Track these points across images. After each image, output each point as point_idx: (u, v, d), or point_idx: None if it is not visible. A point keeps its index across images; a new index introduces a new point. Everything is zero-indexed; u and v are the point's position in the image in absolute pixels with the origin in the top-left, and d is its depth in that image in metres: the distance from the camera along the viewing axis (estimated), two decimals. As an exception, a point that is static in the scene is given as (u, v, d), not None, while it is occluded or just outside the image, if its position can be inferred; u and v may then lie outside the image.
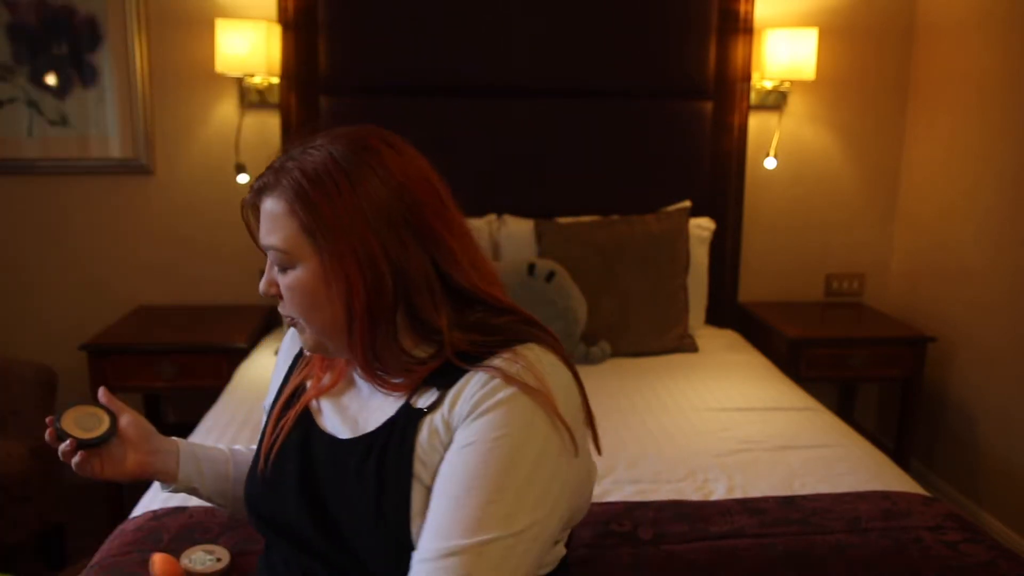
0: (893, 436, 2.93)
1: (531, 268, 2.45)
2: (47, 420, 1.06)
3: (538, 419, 0.87)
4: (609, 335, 2.54)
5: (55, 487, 2.42)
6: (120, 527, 1.54)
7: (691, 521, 1.51)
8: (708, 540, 1.46)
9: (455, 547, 0.82)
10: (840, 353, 2.74)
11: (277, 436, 1.03)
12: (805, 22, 2.90)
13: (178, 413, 3.05)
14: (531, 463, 0.86)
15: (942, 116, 2.87)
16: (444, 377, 0.92)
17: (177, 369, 2.56)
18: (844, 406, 3.16)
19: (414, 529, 0.88)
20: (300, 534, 0.98)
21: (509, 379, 0.88)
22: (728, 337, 2.81)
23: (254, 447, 1.16)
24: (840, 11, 2.94)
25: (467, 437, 0.87)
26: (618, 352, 2.55)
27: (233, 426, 2.01)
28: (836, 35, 2.94)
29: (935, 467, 2.94)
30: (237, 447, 1.24)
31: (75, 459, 1.05)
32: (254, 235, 0.98)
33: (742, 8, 2.82)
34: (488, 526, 0.82)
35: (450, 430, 0.89)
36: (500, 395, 0.87)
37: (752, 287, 3.10)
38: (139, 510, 1.62)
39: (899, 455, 2.79)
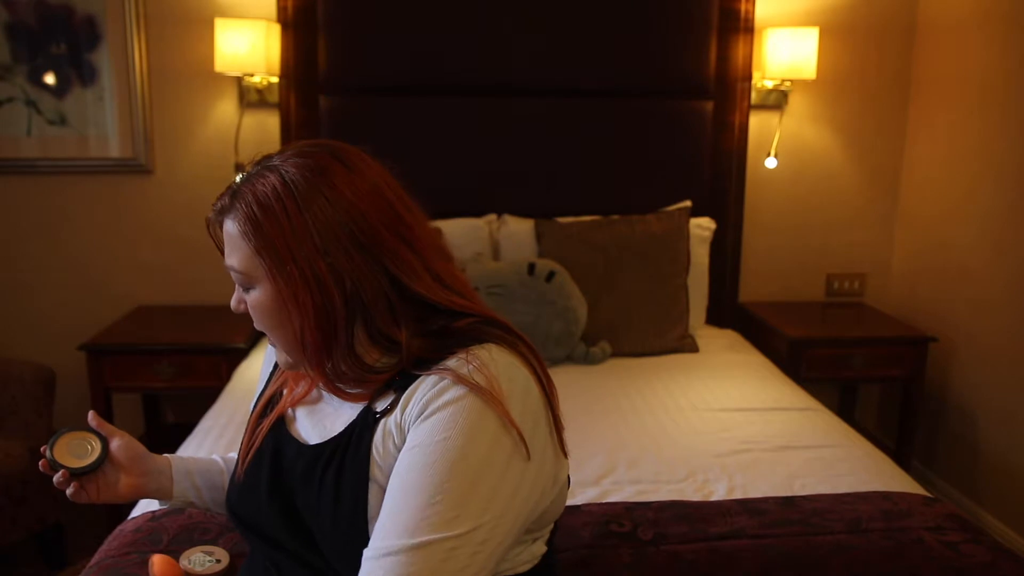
0: (894, 436, 2.92)
1: (531, 268, 2.44)
2: (41, 450, 1.09)
3: (487, 420, 0.86)
4: (609, 335, 2.54)
5: (54, 487, 2.41)
6: (119, 527, 1.54)
7: (691, 521, 1.51)
8: (708, 541, 1.45)
9: (395, 547, 0.82)
10: (841, 353, 2.73)
11: (253, 443, 1.06)
12: (806, 21, 2.90)
13: (177, 413, 3.05)
14: (477, 465, 0.85)
15: (943, 116, 2.87)
16: (403, 381, 0.94)
17: (176, 369, 2.56)
18: (845, 406, 3.15)
19: (372, 528, 0.89)
20: (275, 537, 1.01)
21: (459, 379, 0.88)
22: (728, 337, 2.80)
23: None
24: (841, 10, 2.93)
25: (415, 439, 0.87)
26: (618, 352, 2.54)
27: (232, 426, 2.01)
28: (837, 34, 2.94)
29: (936, 467, 2.94)
30: (232, 455, 1.25)
31: (69, 489, 1.09)
32: (222, 251, 1.00)
33: (743, 7, 2.82)
34: (428, 527, 0.82)
35: (403, 432, 0.90)
36: (448, 396, 0.87)
37: (752, 287, 3.10)
38: (138, 511, 1.62)
39: (900, 455, 2.78)
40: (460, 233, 2.62)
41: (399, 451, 0.90)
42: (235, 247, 0.95)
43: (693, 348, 2.62)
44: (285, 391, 1.08)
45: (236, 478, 1.07)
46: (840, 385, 3.17)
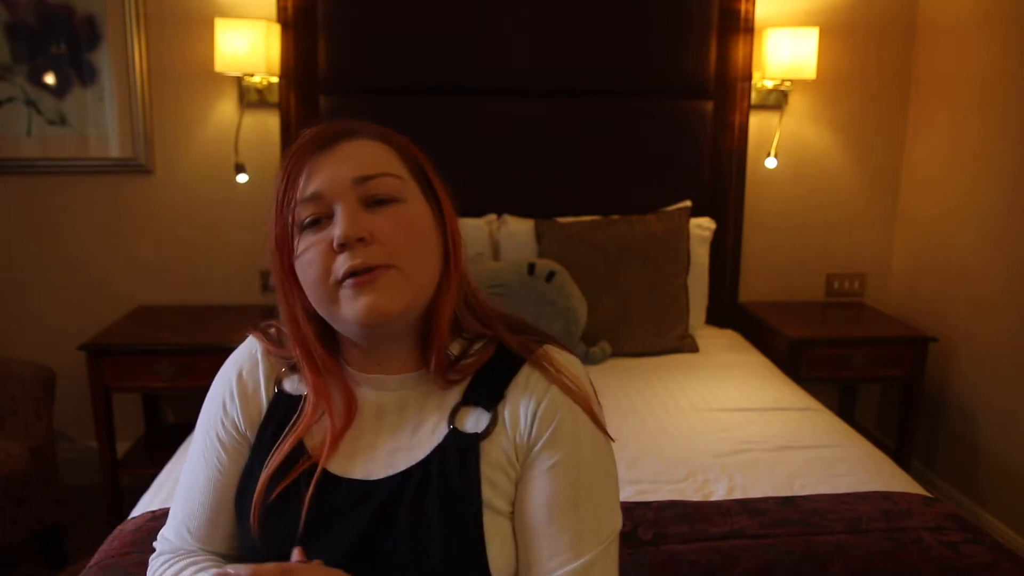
0: (894, 436, 2.92)
1: (531, 268, 2.44)
2: None
3: (591, 424, 0.93)
4: (609, 335, 2.54)
5: (54, 487, 2.41)
6: (119, 528, 1.54)
7: (691, 521, 1.51)
8: (708, 540, 1.45)
9: (592, 558, 0.88)
10: (841, 353, 2.73)
11: (302, 504, 0.90)
12: (806, 21, 2.90)
13: (177, 413, 3.04)
14: (607, 465, 0.93)
15: (943, 115, 2.87)
16: (484, 389, 0.93)
17: (176, 369, 2.56)
18: (845, 406, 3.15)
19: (490, 553, 0.88)
20: None
21: (563, 388, 0.92)
22: (728, 337, 2.80)
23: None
24: (841, 10, 2.93)
25: (549, 458, 0.90)
26: (618, 352, 2.54)
27: (232, 426, 2.00)
28: (837, 34, 2.94)
29: (936, 467, 2.94)
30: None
31: None
32: (298, 181, 0.89)
33: (743, 7, 2.82)
34: (606, 529, 0.91)
35: (518, 452, 0.91)
36: (562, 410, 0.91)
37: (752, 287, 3.10)
38: (138, 511, 1.62)
39: (900, 455, 2.78)
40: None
41: (515, 471, 0.91)
42: (382, 159, 0.91)
43: (693, 348, 2.62)
44: (307, 442, 0.94)
45: (257, 538, 0.92)
46: (840, 385, 3.17)
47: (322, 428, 0.94)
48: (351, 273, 0.86)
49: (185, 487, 1.02)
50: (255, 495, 0.93)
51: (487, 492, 0.89)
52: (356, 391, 0.96)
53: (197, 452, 1.01)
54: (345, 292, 0.87)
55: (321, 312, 0.91)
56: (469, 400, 0.93)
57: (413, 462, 0.91)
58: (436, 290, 0.92)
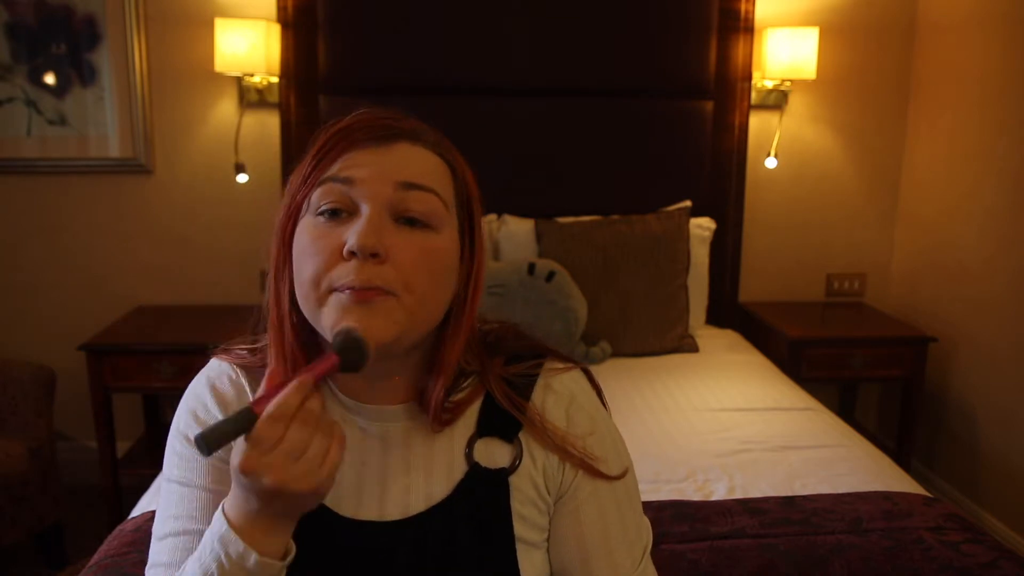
0: (894, 436, 2.92)
1: (531, 268, 2.44)
2: None
3: (613, 435, 0.94)
4: (609, 335, 2.54)
5: (54, 487, 2.41)
6: (119, 527, 1.54)
7: (692, 521, 1.51)
8: (709, 540, 1.45)
9: (644, 560, 0.91)
10: (841, 353, 2.73)
11: (304, 550, 0.79)
12: (806, 21, 2.90)
13: (177, 413, 3.04)
14: (630, 465, 0.95)
15: (943, 115, 2.87)
16: (497, 417, 0.86)
17: (176, 369, 2.55)
18: (845, 406, 3.15)
19: None
20: None
21: (589, 407, 0.91)
22: (729, 337, 2.80)
23: None
24: (841, 10, 2.93)
25: (590, 479, 0.89)
26: (618, 352, 2.54)
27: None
28: (837, 34, 2.94)
29: (936, 467, 2.94)
30: None
31: None
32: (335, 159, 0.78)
33: (743, 7, 2.82)
34: (645, 531, 0.94)
35: (548, 482, 0.88)
36: (588, 428, 0.90)
37: (753, 287, 3.10)
38: (137, 511, 1.62)
39: (900, 455, 2.78)
40: (460, 233, 2.61)
41: (546, 502, 0.88)
42: (435, 173, 0.81)
43: (693, 348, 2.62)
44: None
45: None
46: (840, 385, 3.17)
47: None
48: (351, 287, 0.74)
49: (170, 532, 0.85)
50: None
51: (519, 527, 0.84)
52: (353, 420, 0.86)
53: (180, 496, 0.86)
54: (336, 297, 0.75)
55: (305, 313, 0.79)
56: (484, 431, 0.86)
57: (433, 501, 0.84)
58: (445, 327, 0.83)
